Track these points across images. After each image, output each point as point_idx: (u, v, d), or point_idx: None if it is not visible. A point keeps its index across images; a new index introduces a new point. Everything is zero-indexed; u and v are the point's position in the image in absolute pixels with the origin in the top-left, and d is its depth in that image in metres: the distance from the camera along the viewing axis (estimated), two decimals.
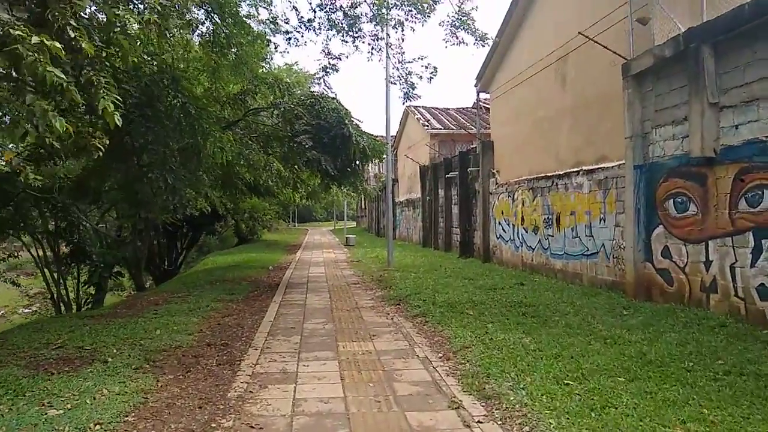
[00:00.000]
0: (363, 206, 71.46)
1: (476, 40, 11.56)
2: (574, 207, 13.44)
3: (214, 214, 30.25)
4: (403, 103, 12.74)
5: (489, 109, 25.19)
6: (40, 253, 21.64)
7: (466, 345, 7.24)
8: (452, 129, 29.70)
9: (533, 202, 15.72)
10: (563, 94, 14.16)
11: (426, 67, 12.62)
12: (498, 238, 18.45)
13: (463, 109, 36.08)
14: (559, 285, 12.71)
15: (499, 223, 18.34)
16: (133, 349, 7.23)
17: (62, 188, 16.25)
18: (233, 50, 12.83)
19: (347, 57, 12.71)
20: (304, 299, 11.74)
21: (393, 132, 28.73)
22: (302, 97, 13.43)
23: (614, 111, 11.58)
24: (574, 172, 13.44)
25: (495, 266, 17.61)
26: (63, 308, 22.36)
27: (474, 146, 21.76)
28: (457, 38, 11.74)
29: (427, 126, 29.79)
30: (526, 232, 16.18)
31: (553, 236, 14.50)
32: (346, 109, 13.09)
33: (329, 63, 12.80)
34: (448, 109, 35.26)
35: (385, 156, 14.55)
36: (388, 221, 17.63)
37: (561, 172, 14.09)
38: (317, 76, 13.39)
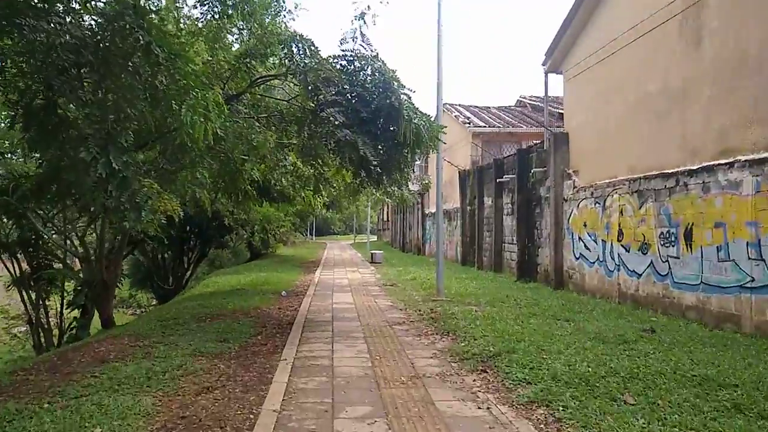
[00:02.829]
0: (385, 218, 67.21)
1: None
2: (722, 215, 9.22)
3: (221, 226, 26.60)
4: None
5: (540, 107, 21.21)
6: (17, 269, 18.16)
7: None
8: (498, 127, 25.57)
9: (639, 211, 11.52)
10: (695, 54, 10.03)
11: None
12: (577, 259, 14.23)
13: (506, 107, 32.01)
14: (705, 333, 8.51)
15: (580, 239, 14.13)
16: None
17: (18, 190, 12.50)
18: None
19: None
20: (330, 355, 7.62)
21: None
22: (330, 58, 9.40)
23: None
24: (721, 165, 9.25)
25: (574, 296, 13.39)
26: (42, 335, 18.89)
27: (538, 143, 17.64)
28: None
29: (468, 124, 25.71)
30: (627, 251, 11.97)
31: (678, 258, 10.28)
32: (393, 71, 9.07)
33: None
34: (489, 107, 31.21)
35: (438, 143, 10.40)
36: (439, 234, 13.50)
37: (694, 167, 9.91)
38: (351, 28, 9.32)
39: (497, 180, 20.17)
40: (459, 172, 25.52)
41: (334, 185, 13.29)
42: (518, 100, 33.61)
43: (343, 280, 18.78)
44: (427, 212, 34.20)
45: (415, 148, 9.37)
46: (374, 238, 64.67)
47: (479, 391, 5.88)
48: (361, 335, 8.92)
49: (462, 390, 5.96)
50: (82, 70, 6.40)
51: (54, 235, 18.72)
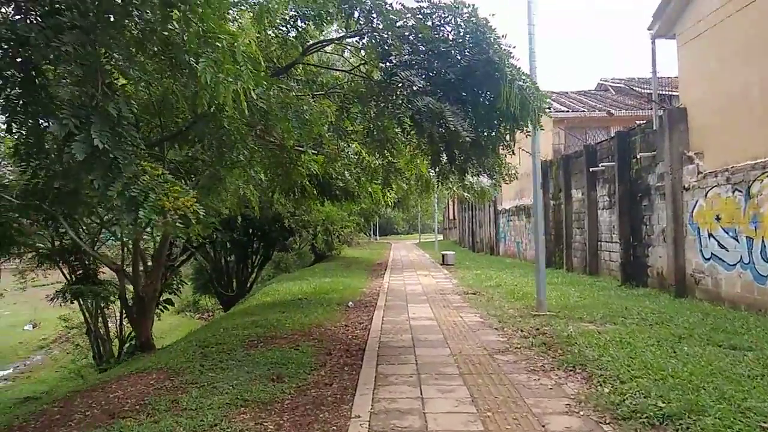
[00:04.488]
0: (451, 216, 64.50)
1: None
2: None
3: (283, 228, 25.18)
4: None
5: (624, 90, 18.41)
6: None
7: None
8: (582, 112, 22.80)
9: None
10: None
11: None
12: (707, 260, 11.50)
13: (586, 92, 29.08)
14: None
15: (710, 236, 11.41)
16: None
17: (52, 193, 11.02)
18: None
19: None
20: (419, 408, 5.42)
21: None
22: (404, 13, 7.23)
23: None
24: None
25: (707, 306, 10.73)
26: (100, 344, 17.89)
27: (642, 123, 14.94)
28: None
29: (549, 109, 22.97)
30: None
31: None
32: (486, 20, 6.82)
33: None
34: (566, 92, 28.36)
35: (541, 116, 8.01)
36: (537, 233, 10.93)
37: None
38: None
39: (590, 169, 17.51)
40: (540, 163, 22.84)
41: (407, 176, 11.07)
42: (599, 84, 30.58)
43: (416, 286, 16.61)
44: (500, 208, 31.58)
45: (519, 121, 7.09)
46: (440, 237, 62.11)
47: None
48: (456, 371, 6.70)
49: None
50: (60, 14, 4.49)
51: (107, 242, 17.58)
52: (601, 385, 5.75)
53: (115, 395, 6.08)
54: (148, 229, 7.58)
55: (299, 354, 7.70)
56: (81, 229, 13.28)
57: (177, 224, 4.44)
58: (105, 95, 4.30)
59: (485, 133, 7.36)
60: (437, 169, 8.90)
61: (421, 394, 5.84)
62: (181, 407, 5.44)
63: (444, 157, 8.12)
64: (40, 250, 14.06)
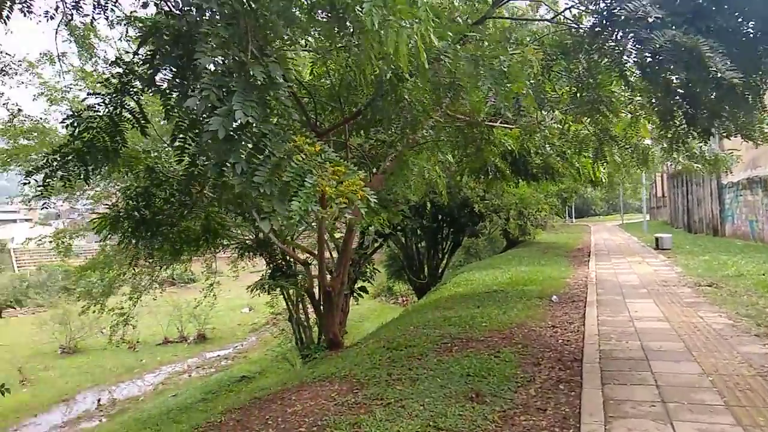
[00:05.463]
0: (658, 193, 57.92)
1: None
2: None
3: (472, 213, 24.16)
4: None
5: None
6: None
7: None
8: None
9: None
10: None
11: None
12: None
13: None
14: None
15: None
16: None
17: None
18: None
19: None
20: None
21: None
22: None
23: None
24: None
25: None
26: (301, 331, 18.65)
27: None
28: None
29: None
30: None
31: None
32: None
33: None
34: None
35: None
36: None
37: None
38: None
39: None
40: None
41: (625, 143, 9.05)
42: None
43: (631, 276, 14.32)
44: (725, 182, 27.00)
45: None
46: (647, 217, 56.10)
47: None
48: (718, 400, 4.94)
49: None
50: None
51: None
52: None
53: (293, 410, 5.42)
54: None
55: (500, 363, 6.47)
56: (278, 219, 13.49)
57: (346, 215, 3.46)
58: (256, 58, 3.45)
59: (756, 72, 5.37)
60: (670, 133, 6.98)
61: None
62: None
63: (678, 116, 6.28)
64: (245, 242, 14.60)
